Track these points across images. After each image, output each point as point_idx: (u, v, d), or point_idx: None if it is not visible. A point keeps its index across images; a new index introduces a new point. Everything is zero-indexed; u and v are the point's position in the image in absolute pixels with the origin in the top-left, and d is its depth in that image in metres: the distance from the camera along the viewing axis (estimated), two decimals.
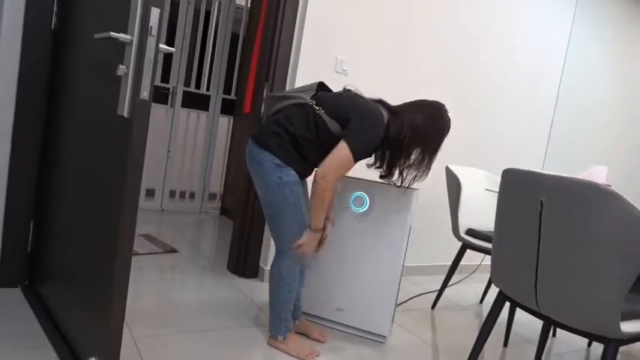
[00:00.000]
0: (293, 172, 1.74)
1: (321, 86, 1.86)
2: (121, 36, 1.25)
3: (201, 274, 2.59)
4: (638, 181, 4.72)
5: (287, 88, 2.57)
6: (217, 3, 4.05)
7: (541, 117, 3.75)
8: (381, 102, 1.84)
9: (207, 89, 4.14)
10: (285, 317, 1.83)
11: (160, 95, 3.90)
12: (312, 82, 1.89)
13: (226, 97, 4.22)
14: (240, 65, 4.21)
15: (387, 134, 1.75)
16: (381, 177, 1.88)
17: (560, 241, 1.39)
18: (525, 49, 3.51)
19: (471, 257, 3.28)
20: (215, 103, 4.17)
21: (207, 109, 4.16)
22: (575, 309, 1.39)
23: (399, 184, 1.86)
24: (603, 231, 1.29)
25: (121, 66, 1.26)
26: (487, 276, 3.11)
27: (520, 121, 3.62)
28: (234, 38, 4.17)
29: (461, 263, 2.98)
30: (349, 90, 1.85)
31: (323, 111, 1.72)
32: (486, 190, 2.42)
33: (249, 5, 4.12)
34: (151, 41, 1.24)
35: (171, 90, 3.93)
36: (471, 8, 3.16)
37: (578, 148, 4.09)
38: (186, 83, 4.03)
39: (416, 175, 1.83)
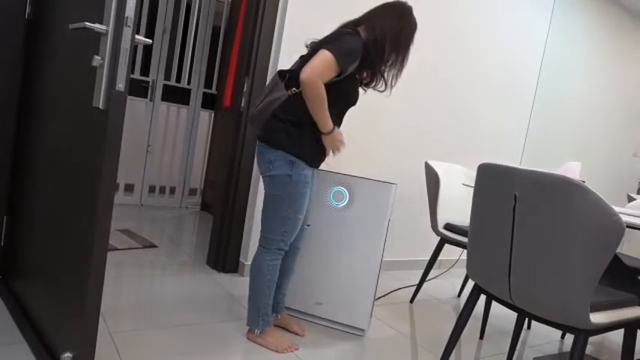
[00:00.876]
0: (306, 171, 1.73)
1: (281, 73, 1.82)
2: (96, 26, 1.23)
3: (180, 270, 2.57)
4: (613, 176, 4.84)
5: (267, 82, 2.55)
6: None
7: (519, 114, 3.82)
8: (344, 26, 1.83)
9: (188, 83, 4.10)
10: (264, 311, 1.83)
11: (140, 88, 3.85)
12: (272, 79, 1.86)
13: (207, 91, 4.19)
14: (221, 59, 4.18)
15: (366, 46, 1.74)
16: (365, 85, 1.89)
17: (533, 235, 1.42)
18: (504, 46, 3.57)
19: (449, 252, 3.33)
20: (196, 97, 4.13)
21: (187, 104, 4.12)
22: (547, 301, 1.43)
23: (382, 88, 1.87)
24: (573, 224, 1.33)
25: (96, 57, 1.24)
26: (465, 270, 3.16)
27: (498, 119, 3.67)
28: (216, 32, 4.14)
29: (440, 258, 3.01)
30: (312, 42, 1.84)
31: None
32: (463, 185, 2.46)
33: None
34: (126, 32, 1.23)
35: (151, 83, 3.89)
36: (450, 7, 3.19)
37: (555, 144, 4.17)
38: (167, 77, 3.98)
39: (397, 75, 1.86)
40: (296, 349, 1.85)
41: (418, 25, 1.86)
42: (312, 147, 1.74)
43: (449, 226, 2.55)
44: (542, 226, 1.39)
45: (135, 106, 3.86)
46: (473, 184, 2.67)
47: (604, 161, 4.72)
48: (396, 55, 1.82)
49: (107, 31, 1.24)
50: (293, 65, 1.82)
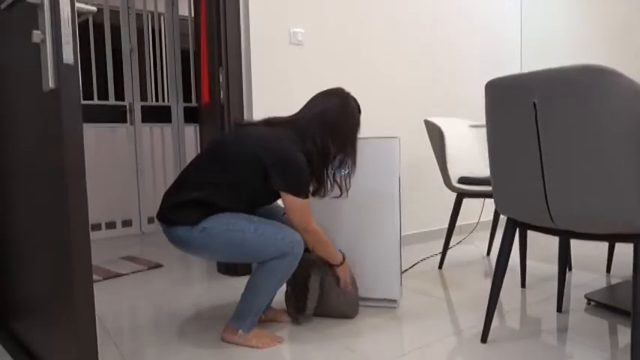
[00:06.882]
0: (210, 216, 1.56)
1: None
2: None
3: (191, 281, 2.40)
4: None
5: (243, 67, 2.41)
6: (162, 18, 3.89)
7: (509, 61, 3.67)
8: (275, 123, 1.65)
9: (167, 100, 3.96)
10: (257, 312, 1.62)
11: (118, 113, 3.70)
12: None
13: (188, 105, 4.04)
14: (195, 71, 4.04)
15: (309, 158, 1.59)
16: (314, 194, 1.69)
17: (563, 141, 1.26)
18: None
19: (468, 216, 3.18)
20: (177, 112, 3.99)
21: (170, 121, 3.97)
22: (594, 211, 1.26)
23: (339, 194, 1.74)
24: (607, 115, 1.16)
25: (35, 31, 1.09)
26: (487, 233, 2.99)
27: (488, 63, 3.53)
28: (185, 53, 4.01)
29: (460, 224, 2.83)
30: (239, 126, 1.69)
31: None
32: (470, 126, 2.30)
33: (192, 15, 3.95)
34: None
35: (128, 107, 3.74)
36: None
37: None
38: (143, 97, 3.84)
39: (350, 174, 1.73)
40: (279, 342, 1.63)
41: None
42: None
43: (463, 179, 2.39)
44: (573, 128, 1.22)
45: (116, 132, 3.71)
46: (479, 126, 2.51)
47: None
48: (344, 152, 1.67)
49: (42, 1, 1.09)
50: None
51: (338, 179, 1.72)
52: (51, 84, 1.09)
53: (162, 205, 1.61)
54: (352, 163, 1.72)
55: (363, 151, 1.89)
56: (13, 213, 1.55)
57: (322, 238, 1.67)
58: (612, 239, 1.31)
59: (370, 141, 1.89)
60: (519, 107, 1.33)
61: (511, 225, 1.53)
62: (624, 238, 1.27)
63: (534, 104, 1.29)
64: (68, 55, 1.10)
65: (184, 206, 1.55)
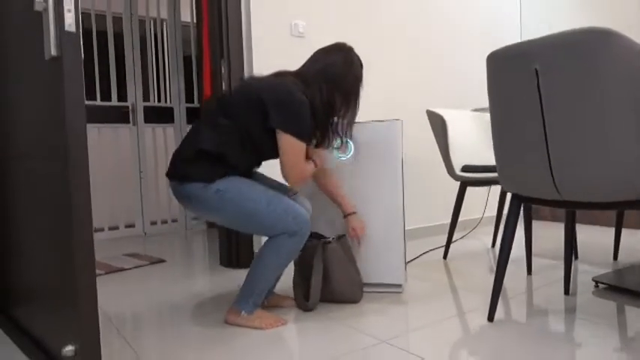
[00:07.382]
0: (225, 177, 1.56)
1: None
2: None
3: (193, 274, 2.38)
4: None
5: (245, 59, 2.42)
6: (164, 24, 3.93)
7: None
8: (282, 74, 1.66)
9: (168, 101, 3.97)
10: (259, 293, 1.61)
11: (121, 114, 3.72)
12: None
13: (190, 105, 4.06)
14: (197, 68, 4.06)
15: (314, 108, 1.61)
16: (318, 145, 1.72)
17: (567, 108, 1.25)
18: None
19: (471, 212, 3.16)
20: (179, 113, 4.00)
21: (172, 122, 3.98)
22: (601, 179, 1.24)
23: (337, 145, 1.81)
24: (611, 77, 1.16)
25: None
26: (491, 228, 2.97)
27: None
28: (187, 58, 4.04)
29: (463, 219, 2.78)
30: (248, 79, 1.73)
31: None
32: (473, 110, 2.29)
33: (194, 20, 3.98)
34: None
35: (130, 107, 3.76)
36: None
37: None
38: (145, 98, 3.86)
39: (350, 123, 1.74)
40: (282, 324, 1.61)
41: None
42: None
43: (466, 168, 2.37)
44: (576, 92, 1.22)
45: (119, 132, 3.72)
46: (481, 111, 2.50)
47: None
48: (347, 106, 1.70)
49: None
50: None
51: (339, 130, 1.73)
52: (53, 52, 1.09)
53: (172, 163, 1.61)
54: (352, 117, 1.73)
55: (366, 134, 1.89)
56: (15, 195, 1.55)
57: (310, 173, 1.67)
58: (619, 207, 1.29)
59: (373, 124, 1.89)
60: (521, 76, 1.33)
61: (516, 201, 1.52)
62: (631, 205, 1.25)
63: (536, 71, 1.29)
64: (70, 23, 1.10)
65: (194, 161, 1.54)
